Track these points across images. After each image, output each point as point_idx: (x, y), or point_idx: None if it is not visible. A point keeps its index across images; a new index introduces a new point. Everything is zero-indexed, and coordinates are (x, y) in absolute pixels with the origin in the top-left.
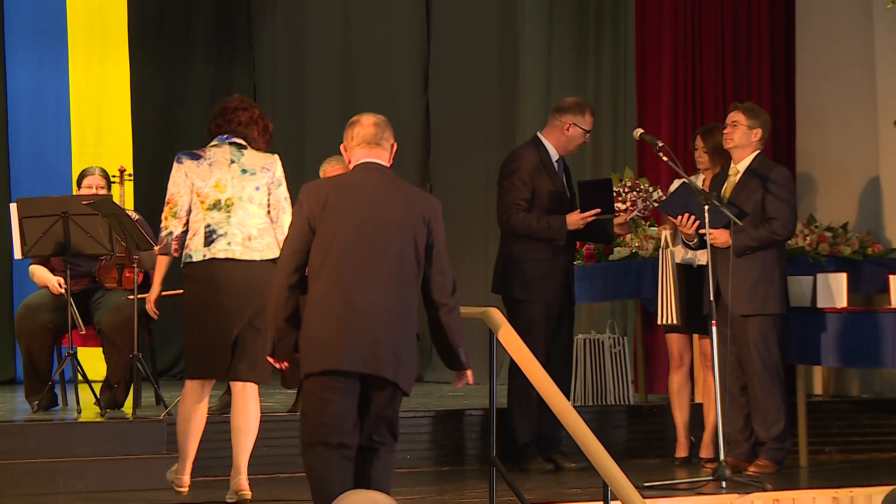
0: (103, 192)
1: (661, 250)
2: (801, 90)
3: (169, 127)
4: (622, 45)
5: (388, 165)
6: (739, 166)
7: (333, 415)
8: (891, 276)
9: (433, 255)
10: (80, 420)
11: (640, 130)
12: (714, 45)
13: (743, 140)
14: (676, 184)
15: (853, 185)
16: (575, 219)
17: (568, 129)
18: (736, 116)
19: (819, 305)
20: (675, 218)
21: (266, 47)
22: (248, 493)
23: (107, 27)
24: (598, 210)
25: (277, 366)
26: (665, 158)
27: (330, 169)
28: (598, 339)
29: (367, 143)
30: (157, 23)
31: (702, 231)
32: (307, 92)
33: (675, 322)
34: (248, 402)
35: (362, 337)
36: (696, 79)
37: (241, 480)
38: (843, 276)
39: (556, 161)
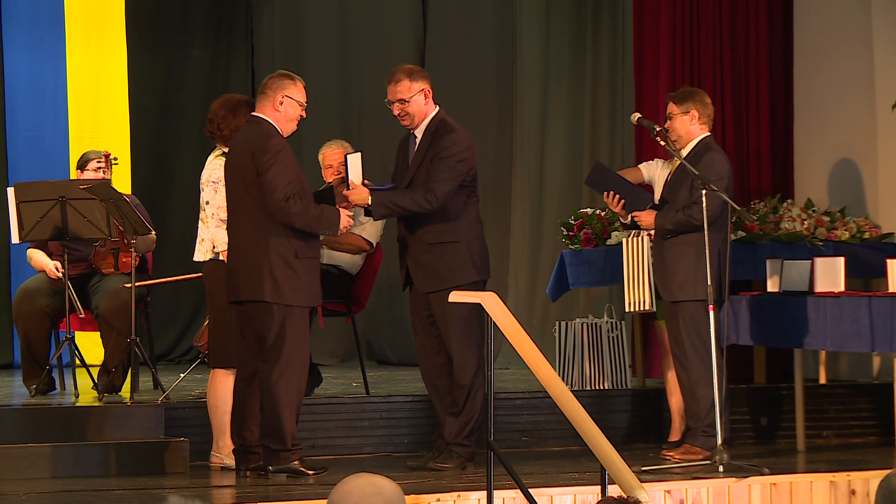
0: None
1: (628, 238)
2: (799, 76)
3: (166, 112)
4: (620, 31)
5: (277, 114)
6: (683, 152)
7: None
8: (889, 261)
9: (262, 179)
10: (77, 404)
11: (638, 115)
12: (712, 31)
13: (682, 128)
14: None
15: (850, 171)
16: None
17: None
18: (669, 108)
19: (817, 290)
20: (603, 195)
21: (264, 33)
22: None
23: (104, 12)
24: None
25: None
26: (663, 143)
27: (329, 153)
28: (596, 324)
29: (259, 96)
30: (154, 8)
31: (634, 215)
32: (305, 77)
33: (647, 308)
34: None
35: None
36: (693, 65)
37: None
38: (841, 261)
39: (413, 136)
